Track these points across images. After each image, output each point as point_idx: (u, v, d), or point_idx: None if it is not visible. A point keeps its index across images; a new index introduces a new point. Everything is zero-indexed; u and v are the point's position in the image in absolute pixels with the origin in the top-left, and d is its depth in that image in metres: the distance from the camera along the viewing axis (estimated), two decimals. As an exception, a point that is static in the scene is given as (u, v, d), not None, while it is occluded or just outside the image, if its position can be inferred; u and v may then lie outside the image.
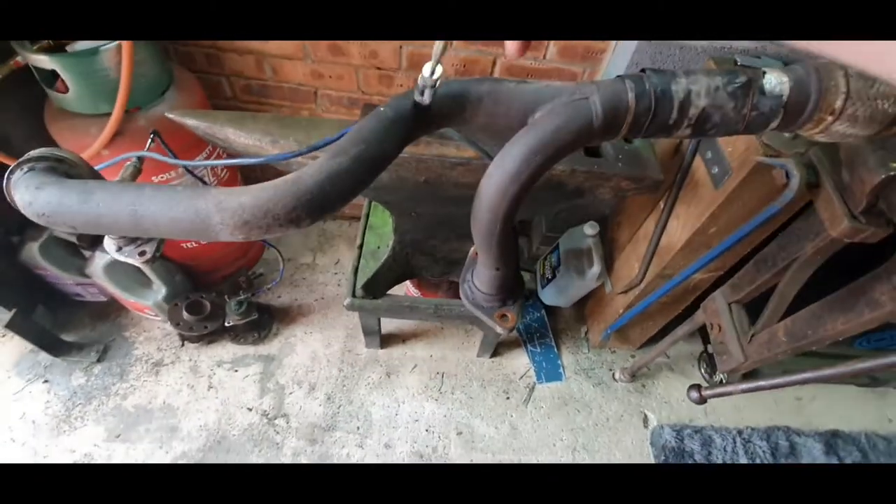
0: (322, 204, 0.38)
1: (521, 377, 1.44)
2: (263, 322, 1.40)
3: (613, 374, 1.48)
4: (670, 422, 1.39)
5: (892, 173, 0.60)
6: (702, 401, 0.93)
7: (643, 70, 0.44)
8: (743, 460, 1.34)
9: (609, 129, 0.43)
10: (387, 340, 1.45)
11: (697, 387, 0.93)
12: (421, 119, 0.44)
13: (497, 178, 0.42)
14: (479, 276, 0.57)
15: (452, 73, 1.19)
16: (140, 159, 0.70)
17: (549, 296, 1.53)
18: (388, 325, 1.47)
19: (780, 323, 0.81)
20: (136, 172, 0.69)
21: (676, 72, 0.43)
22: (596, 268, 1.36)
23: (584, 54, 1.13)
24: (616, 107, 0.42)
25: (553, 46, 1.12)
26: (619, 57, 1.06)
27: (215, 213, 0.36)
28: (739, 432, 1.39)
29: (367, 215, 1.23)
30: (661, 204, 1.12)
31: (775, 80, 0.43)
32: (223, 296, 1.34)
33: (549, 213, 0.99)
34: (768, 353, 0.83)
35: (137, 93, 0.96)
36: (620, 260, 1.35)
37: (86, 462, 1.16)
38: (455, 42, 1.11)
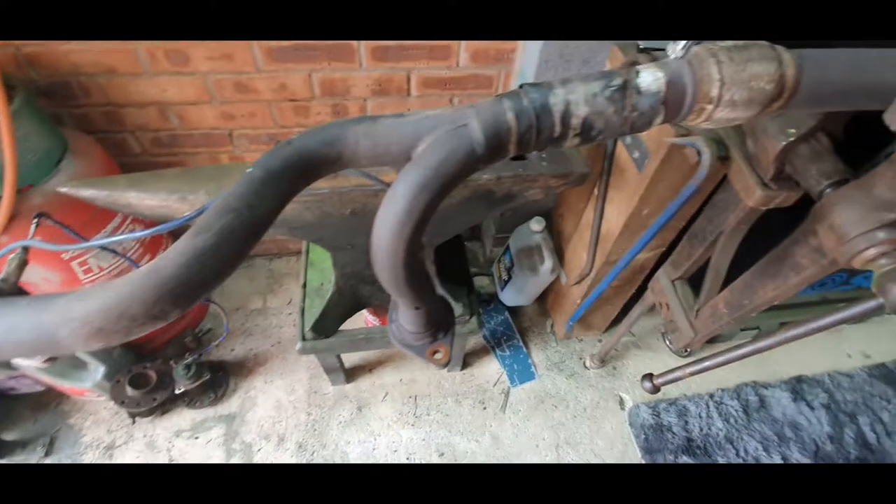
0: (190, 291, 0.34)
1: (495, 383, 1.42)
2: (218, 380, 1.33)
3: (584, 363, 1.48)
4: (645, 399, 1.41)
5: (791, 139, 0.61)
6: (655, 390, 0.94)
7: (521, 86, 0.42)
8: (718, 423, 1.37)
9: (495, 152, 0.41)
10: (353, 373, 1.40)
11: (650, 376, 0.94)
12: (297, 172, 0.41)
13: (387, 222, 0.40)
14: (403, 316, 0.54)
15: (369, 94, 1.16)
16: (25, 249, 0.64)
17: (509, 297, 1.53)
18: (353, 356, 1.42)
19: (719, 295, 0.82)
20: (22, 264, 0.63)
21: (553, 83, 0.42)
22: (548, 263, 1.36)
23: (496, 56, 1.12)
24: (497, 129, 0.40)
25: (465, 52, 1.10)
26: (529, 55, 1.06)
27: (61, 325, 0.31)
28: (711, 396, 1.42)
29: (307, 252, 1.18)
30: (596, 192, 1.13)
31: (650, 78, 0.42)
32: (169, 361, 1.26)
33: (488, 219, 0.97)
34: (715, 326, 0.84)
35: (27, 169, 0.88)
36: (570, 251, 1.35)
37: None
38: (367, 61, 1.09)
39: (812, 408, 1.42)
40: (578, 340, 1.54)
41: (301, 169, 0.41)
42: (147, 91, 1.07)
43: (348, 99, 1.16)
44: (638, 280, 1.26)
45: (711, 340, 1.54)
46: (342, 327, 1.14)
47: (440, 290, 1.10)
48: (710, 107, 0.43)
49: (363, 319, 1.38)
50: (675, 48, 0.39)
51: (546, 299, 1.58)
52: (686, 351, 1.48)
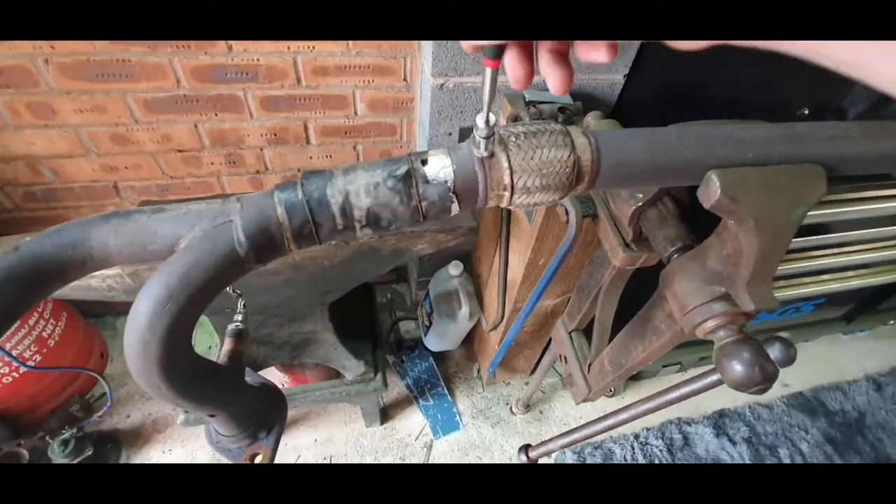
0: None
1: (418, 437, 1.36)
2: (106, 454, 1.20)
3: (511, 408, 1.44)
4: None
5: (639, 204, 0.61)
6: (532, 462, 0.92)
7: (305, 175, 0.39)
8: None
9: (264, 252, 0.37)
10: (262, 435, 1.30)
11: (526, 448, 0.92)
12: (27, 283, 0.35)
13: (133, 335, 0.35)
14: (213, 419, 0.48)
15: (265, 144, 1.11)
16: None
17: (432, 342, 1.48)
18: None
19: (604, 351, 0.80)
20: None
21: (335, 172, 0.38)
22: (465, 309, 1.33)
23: (395, 105, 1.11)
24: (265, 226, 0.36)
25: (361, 102, 1.08)
26: (424, 105, 1.05)
27: None
28: (636, 437, 1.40)
29: (200, 310, 1.10)
30: (501, 239, 1.11)
31: (439, 166, 0.39)
32: (46, 437, 1.13)
33: (380, 274, 0.93)
34: (603, 383, 0.82)
35: None
36: (487, 295, 1.33)
37: None
38: (258, 112, 1.05)
39: (734, 442, 1.42)
40: (505, 384, 1.50)
41: (32, 278, 0.35)
42: (11, 145, 0.99)
43: (243, 148, 1.11)
44: (551, 325, 1.24)
45: (636, 377, 1.54)
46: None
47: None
48: (506, 193, 0.41)
49: (276, 379, 1.30)
50: (479, 127, 0.36)
51: (472, 343, 1.55)
52: (610, 391, 1.47)
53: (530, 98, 0.95)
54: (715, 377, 0.52)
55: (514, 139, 0.40)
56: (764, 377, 0.47)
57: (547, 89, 0.97)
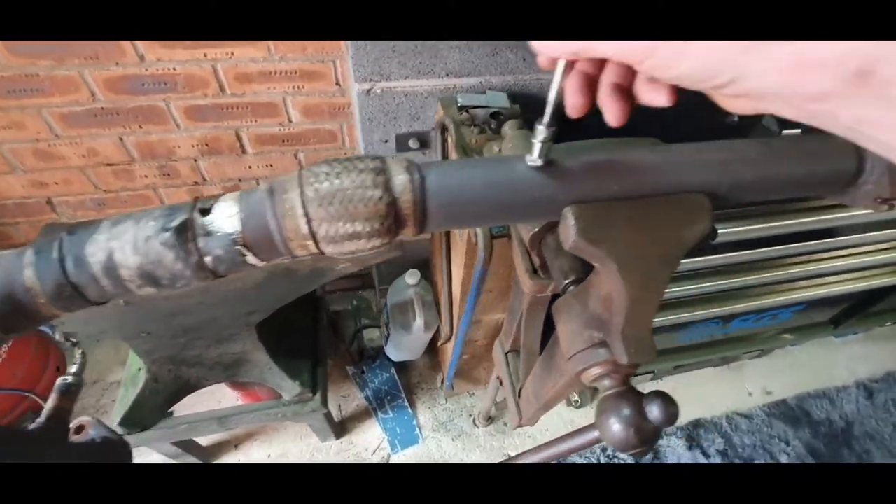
0: None
1: (375, 451, 1.32)
2: (53, 472, 1.19)
3: (474, 421, 1.39)
4: (534, 459, 1.32)
5: (535, 229, 0.54)
6: None
7: (70, 227, 0.34)
8: (610, 480, 1.29)
9: (14, 319, 0.32)
10: (215, 451, 1.28)
11: None
12: None
13: None
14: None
15: (198, 154, 1.07)
16: None
17: (392, 352, 1.43)
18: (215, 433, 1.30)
19: (528, 378, 0.75)
20: None
21: (102, 223, 0.33)
22: (419, 320, 1.28)
23: (331, 111, 1.05)
24: (10, 291, 0.32)
25: (294, 109, 1.03)
26: (356, 110, 0.99)
27: None
28: (604, 450, 1.35)
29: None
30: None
31: (224, 215, 0.34)
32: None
33: (306, 292, 0.88)
34: (530, 412, 0.77)
35: None
36: (443, 306, 1.27)
37: None
38: (184, 122, 1.00)
39: (707, 455, 1.36)
40: (470, 395, 1.45)
41: None
42: (-69, 163, 0.96)
43: (175, 160, 1.07)
44: (507, 337, 1.18)
45: (606, 387, 1.48)
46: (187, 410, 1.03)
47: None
48: (310, 243, 0.35)
49: (232, 396, 1.27)
50: (537, 132, 0.34)
51: (436, 352, 1.50)
52: (577, 404, 1.41)
53: (463, 102, 0.89)
54: (594, 434, 0.46)
55: (313, 180, 0.34)
56: (640, 440, 0.41)
57: (482, 93, 0.90)
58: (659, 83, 0.29)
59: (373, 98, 0.91)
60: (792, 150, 0.42)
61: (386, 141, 1.00)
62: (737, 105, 0.27)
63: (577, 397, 1.39)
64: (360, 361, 1.48)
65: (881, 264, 1.14)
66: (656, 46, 0.24)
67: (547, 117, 0.33)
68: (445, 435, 1.36)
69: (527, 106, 0.99)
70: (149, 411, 0.97)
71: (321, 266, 0.82)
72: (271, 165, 1.13)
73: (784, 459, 1.36)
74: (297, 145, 1.11)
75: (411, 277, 1.29)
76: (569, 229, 0.38)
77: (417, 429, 1.36)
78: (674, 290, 0.95)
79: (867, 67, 0.20)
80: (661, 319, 1.06)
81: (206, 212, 0.34)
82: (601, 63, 0.31)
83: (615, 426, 0.43)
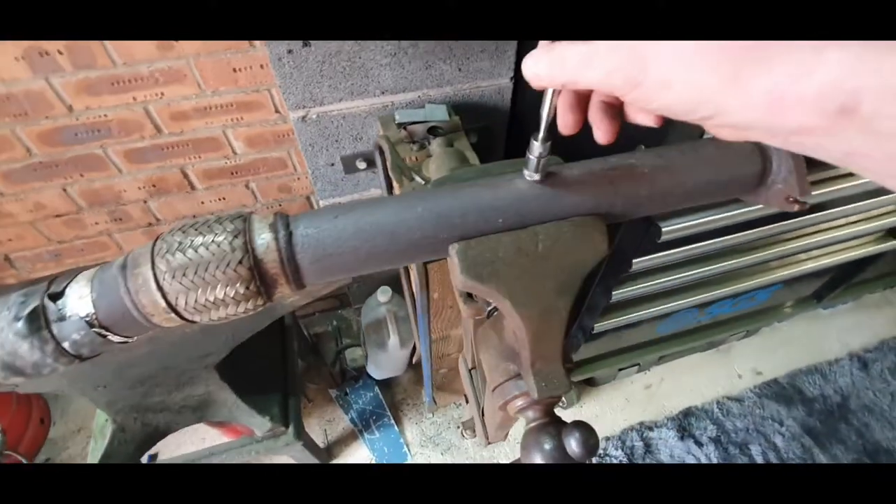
0: None
1: (364, 473, 1.30)
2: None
3: (462, 432, 1.38)
4: (525, 465, 1.30)
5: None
6: None
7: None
8: (603, 480, 1.27)
9: None
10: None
11: None
12: None
13: None
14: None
15: (146, 196, 1.05)
16: None
17: (374, 371, 1.42)
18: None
19: (486, 396, 0.73)
20: None
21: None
22: (394, 337, 1.26)
23: (276, 139, 1.03)
24: None
25: (236, 141, 1.01)
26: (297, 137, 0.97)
27: None
28: (595, 449, 1.33)
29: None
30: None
31: (75, 296, 0.32)
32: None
33: (259, 329, 0.86)
34: (492, 430, 0.75)
35: None
36: (412, 322, 1.26)
37: None
38: (126, 166, 0.99)
39: (700, 444, 1.34)
40: (456, 406, 1.43)
41: None
42: None
43: (124, 204, 1.06)
44: (481, 347, 1.16)
45: (592, 382, 1.46)
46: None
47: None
48: (173, 315, 0.34)
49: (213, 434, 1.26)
50: (532, 147, 0.35)
51: (419, 366, 1.48)
52: (563, 403, 1.39)
53: (401, 119, 0.87)
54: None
55: (165, 251, 0.33)
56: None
57: (421, 107, 0.88)
58: (646, 109, 0.30)
59: (310, 124, 0.89)
60: (690, 158, 0.40)
61: (332, 164, 0.98)
62: (723, 134, 0.27)
63: (563, 398, 1.37)
64: (343, 383, 1.46)
65: (854, 236, 1.11)
66: (640, 81, 0.24)
67: (542, 132, 0.33)
68: (434, 450, 1.34)
69: (469, 116, 0.97)
70: (121, 461, 0.96)
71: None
72: (224, 198, 1.12)
73: (779, 441, 1.34)
74: (247, 176, 1.09)
75: (383, 295, 1.28)
76: (454, 269, 0.36)
77: (405, 446, 1.35)
78: (645, 285, 0.93)
79: (850, 104, 0.19)
80: (640, 314, 1.04)
81: (57, 296, 0.33)
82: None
83: (537, 461, 0.41)
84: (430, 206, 0.36)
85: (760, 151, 0.40)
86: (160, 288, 0.32)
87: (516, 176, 0.38)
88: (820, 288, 1.39)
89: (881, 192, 0.93)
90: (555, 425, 0.42)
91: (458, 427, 1.39)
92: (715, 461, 1.30)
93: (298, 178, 1.14)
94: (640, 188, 0.38)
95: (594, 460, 1.30)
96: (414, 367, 1.45)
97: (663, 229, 0.72)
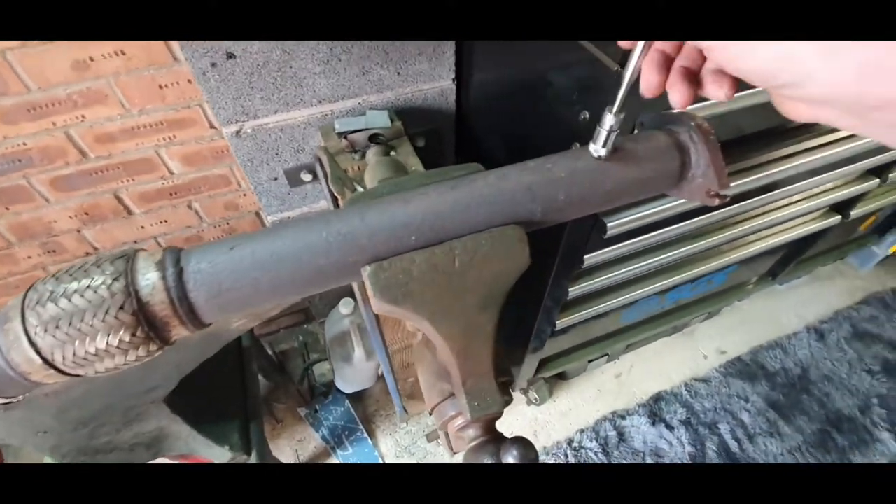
0: None
1: (339, 491, 1.27)
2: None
3: (437, 441, 1.36)
4: (501, 466, 1.30)
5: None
6: None
7: None
8: (580, 473, 1.28)
9: None
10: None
11: None
12: None
13: None
14: None
15: (79, 225, 1.00)
16: None
17: (343, 385, 1.38)
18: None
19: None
20: None
21: None
22: (358, 350, 1.23)
23: (214, 156, 0.99)
24: None
25: (171, 160, 0.96)
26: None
27: None
28: (570, 443, 1.33)
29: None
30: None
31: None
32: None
33: (205, 359, 0.82)
34: (459, 444, 0.73)
35: None
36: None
37: None
38: (53, 195, 0.92)
39: (671, 427, 1.36)
40: (430, 413, 1.41)
41: None
42: None
43: (56, 234, 0.99)
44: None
45: (563, 377, 1.46)
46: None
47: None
48: (52, 371, 0.31)
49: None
50: (604, 120, 0.36)
51: (390, 374, 1.45)
52: (536, 400, 1.39)
53: (340, 128, 0.84)
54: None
55: (36, 302, 0.29)
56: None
57: (361, 114, 0.85)
58: (724, 76, 0.30)
59: (245, 138, 0.85)
60: (607, 159, 0.39)
61: (276, 178, 0.94)
62: (795, 110, 0.27)
63: (535, 395, 1.37)
64: (312, 400, 1.42)
65: (800, 214, 1.15)
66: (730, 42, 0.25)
67: (618, 102, 0.33)
68: (409, 459, 1.32)
69: (413, 120, 0.95)
70: None
71: (212, 329, 0.76)
72: (166, 221, 1.07)
73: (745, 417, 1.38)
74: (189, 195, 1.04)
75: (345, 307, 1.25)
76: (369, 292, 0.34)
77: (380, 458, 1.32)
78: (602, 279, 0.93)
79: None
80: (601, 306, 1.04)
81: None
82: (678, 45, 0.32)
83: (476, 482, 0.39)
84: (337, 229, 0.34)
85: (678, 146, 0.40)
86: (33, 343, 0.29)
87: (431, 188, 0.37)
88: (774, 265, 1.43)
89: (821, 170, 0.96)
90: (494, 443, 0.41)
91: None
92: (686, 443, 1.32)
93: (245, 195, 1.10)
94: (558, 193, 0.37)
95: (571, 456, 1.30)
96: (383, 377, 1.43)
97: (608, 225, 0.72)
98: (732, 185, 0.86)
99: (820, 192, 1.11)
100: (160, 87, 0.85)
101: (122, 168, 0.93)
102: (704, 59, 0.32)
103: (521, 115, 0.79)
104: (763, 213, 1.03)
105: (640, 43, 0.30)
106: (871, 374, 1.46)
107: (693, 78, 0.32)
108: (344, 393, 1.42)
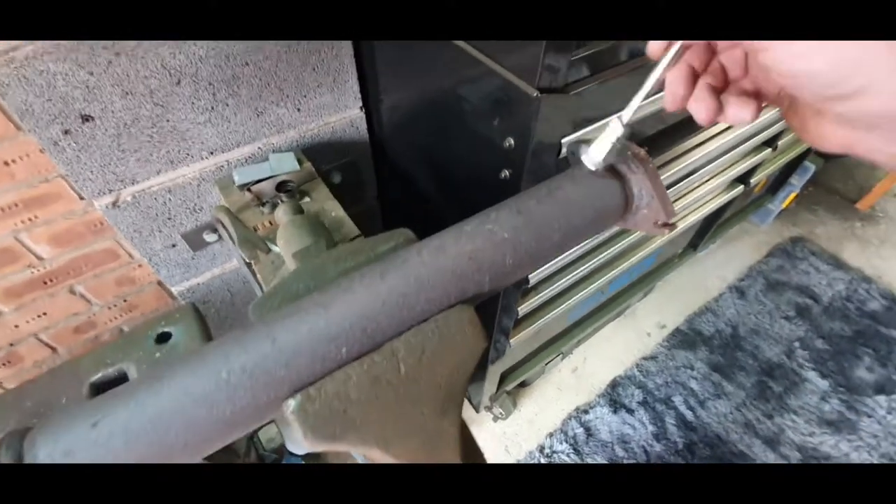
0: None
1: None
2: None
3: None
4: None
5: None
6: None
7: None
8: (556, 479, 1.27)
9: None
10: None
11: None
12: None
13: None
14: None
15: (-75, 341, 0.80)
16: None
17: (294, 447, 1.26)
18: None
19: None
20: None
21: None
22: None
23: (92, 230, 0.84)
24: None
25: (38, 245, 0.80)
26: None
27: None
28: (541, 449, 1.32)
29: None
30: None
31: None
32: None
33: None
34: None
35: None
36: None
37: None
38: None
39: (631, 411, 1.39)
40: (396, 451, 1.34)
41: None
42: None
43: None
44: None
45: (522, 384, 1.45)
46: None
47: None
48: None
49: None
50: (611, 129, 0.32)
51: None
52: (502, 415, 1.36)
53: (241, 180, 0.74)
54: None
55: None
56: None
57: (264, 160, 0.75)
58: (750, 98, 0.29)
59: (125, 208, 0.72)
60: (549, 206, 0.35)
61: (174, 245, 0.82)
62: (835, 135, 0.25)
63: (501, 409, 1.34)
64: (264, 469, 1.28)
65: (713, 190, 1.22)
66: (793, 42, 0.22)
67: (629, 112, 0.30)
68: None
69: (325, 156, 0.87)
70: None
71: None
72: (44, 314, 0.89)
73: (694, 385, 1.45)
74: (68, 280, 0.88)
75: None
76: (295, 435, 0.27)
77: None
78: (548, 290, 0.91)
79: None
80: (550, 315, 1.03)
81: None
82: (708, 60, 0.31)
83: None
84: (241, 365, 0.26)
85: (619, 180, 0.37)
86: None
87: (356, 280, 0.30)
88: (693, 237, 1.52)
89: (726, 152, 1.01)
90: None
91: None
92: (647, 423, 1.36)
93: (139, 265, 0.95)
94: (504, 257, 0.32)
95: (542, 460, 1.28)
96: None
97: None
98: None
99: (725, 169, 1.18)
100: (5, 163, 0.70)
101: (-31, 265, 0.76)
102: (728, 81, 0.31)
103: (445, 142, 0.74)
104: (682, 197, 1.07)
105: (673, 48, 0.28)
106: (788, 319, 1.60)
107: (717, 93, 0.30)
108: (298, 455, 1.29)
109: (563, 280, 0.92)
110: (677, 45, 0.28)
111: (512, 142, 0.53)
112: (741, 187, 1.29)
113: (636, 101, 0.31)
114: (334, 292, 0.29)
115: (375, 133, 0.93)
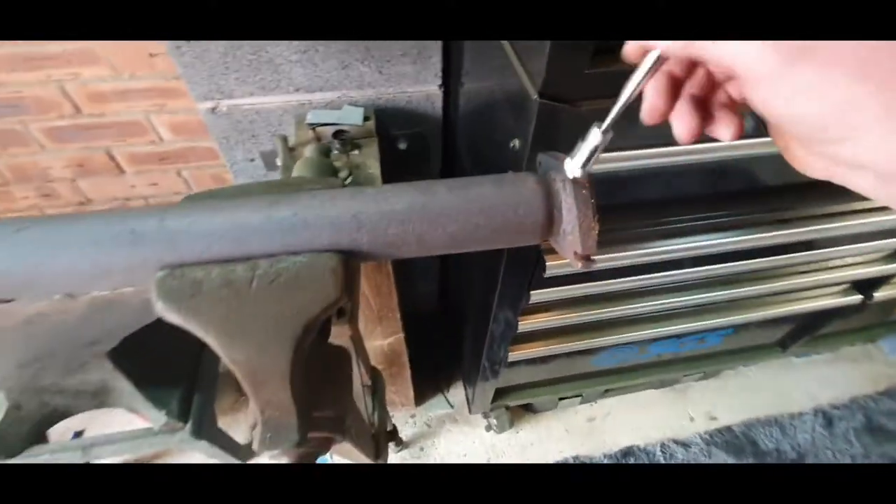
0: None
1: (281, 475, 1.28)
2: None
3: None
4: (444, 487, 1.26)
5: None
6: None
7: None
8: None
9: None
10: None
11: None
12: None
13: None
14: None
15: (73, 175, 1.05)
16: None
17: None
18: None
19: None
20: None
21: None
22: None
23: (202, 129, 1.00)
24: None
25: (161, 127, 0.99)
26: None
27: None
28: (521, 479, 1.27)
29: None
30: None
31: None
32: None
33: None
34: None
35: None
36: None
37: None
38: (49, 143, 0.98)
39: (634, 487, 1.26)
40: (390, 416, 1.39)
41: None
42: None
43: (52, 181, 1.05)
44: (402, 361, 1.12)
45: (530, 408, 1.39)
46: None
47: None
48: None
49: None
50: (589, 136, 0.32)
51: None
52: (496, 428, 1.33)
53: (311, 120, 0.83)
54: None
55: None
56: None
57: (336, 109, 0.84)
58: (736, 114, 0.27)
59: (220, 116, 0.86)
60: (458, 197, 0.35)
61: (252, 160, 0.95)
62: (820, 166, 0.23)
63: (495, 421, 1.32)
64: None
65: (814, 286, 1.03)
66: (780, 74, 0.20)
67: (608, 121, 0.30)
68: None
69: (397, 121, 0.93)
70: (13, 439, 0.95)
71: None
72: (156, 184, 1.10)
73: (721, 493, 1.25)
74: (178, 163, 1.07)
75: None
76: (153, 299, 0.32)
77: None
78: (556, 317, 0.87)
79: None
80: (560, 346, 0.98)
81: None
82: (690, 68, 0.28)
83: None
84: (131, 227, 0.32)
85: (547, 196, 0.35)
86: None
87: (253, 200, 0.34)
88: (784, 336, 1.30)
89: (841, 241, 0.85)
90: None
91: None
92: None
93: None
94: (388, 226, 0.34)
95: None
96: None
97: (548, 264, 0.66)
98: (727, 240, 0.77)
99: (839, 267, 0.98)
100: (150, 55, 0.87)
101: (114, 128, 0.97)
102: (717, 87, 0.28)
103: (485, 136, 0.75)
104: (775, 277, 0.92)
105: (653, 55, 0.26)
106: (880, 476, 1.29)
107: (703, 109, 0.28)
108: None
109: (576, 314, 0.86)
110: (656, 51, 0.26)
111: (517, 143, 0.52)
112: (859, 297, 1.07)
113: (616, 109, 0.29)
114: (230, 204, 0.34)
115: (450, 114, 0.96)
